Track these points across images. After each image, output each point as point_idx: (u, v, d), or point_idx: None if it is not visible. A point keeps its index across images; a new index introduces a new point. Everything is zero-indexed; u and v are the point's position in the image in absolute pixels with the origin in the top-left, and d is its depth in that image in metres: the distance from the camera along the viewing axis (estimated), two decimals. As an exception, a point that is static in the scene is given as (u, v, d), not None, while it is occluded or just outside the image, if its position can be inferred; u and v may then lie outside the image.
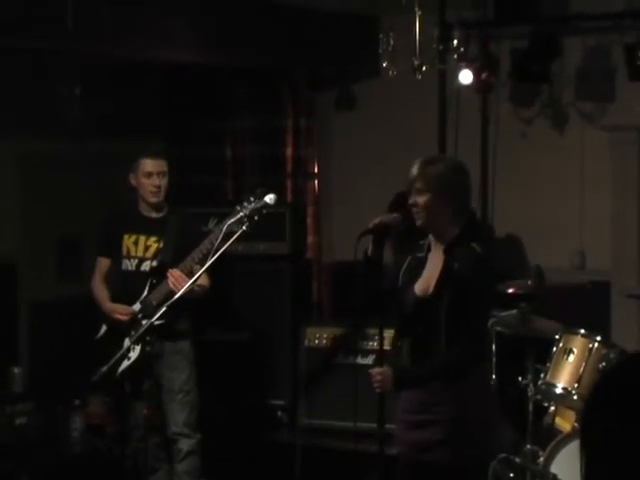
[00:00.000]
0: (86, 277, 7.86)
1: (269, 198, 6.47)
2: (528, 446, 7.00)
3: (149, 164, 7.25)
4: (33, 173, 9.37)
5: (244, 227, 6.35)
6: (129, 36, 8.02)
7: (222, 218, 6.60)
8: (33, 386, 8.88)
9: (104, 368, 6.55)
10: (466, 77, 8.97)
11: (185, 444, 7.30)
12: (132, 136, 9.52)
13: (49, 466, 8.10)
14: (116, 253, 7.42)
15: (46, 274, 9.48)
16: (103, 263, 7.50)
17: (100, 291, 7.38)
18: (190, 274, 6.65)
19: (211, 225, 7.07)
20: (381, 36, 8.68)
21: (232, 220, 6.38)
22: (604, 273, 9.23)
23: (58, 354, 8.80)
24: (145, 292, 7.09)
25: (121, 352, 6.72)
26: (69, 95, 9.03)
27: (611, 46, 8.86)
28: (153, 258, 7.26)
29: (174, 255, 7.07)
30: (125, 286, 7.34)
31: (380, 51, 8.65)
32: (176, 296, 6.41)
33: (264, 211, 6.47)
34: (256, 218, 6.44)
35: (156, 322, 6.62)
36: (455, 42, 8.68)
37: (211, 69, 9.54)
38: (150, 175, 7.22)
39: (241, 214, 6.39)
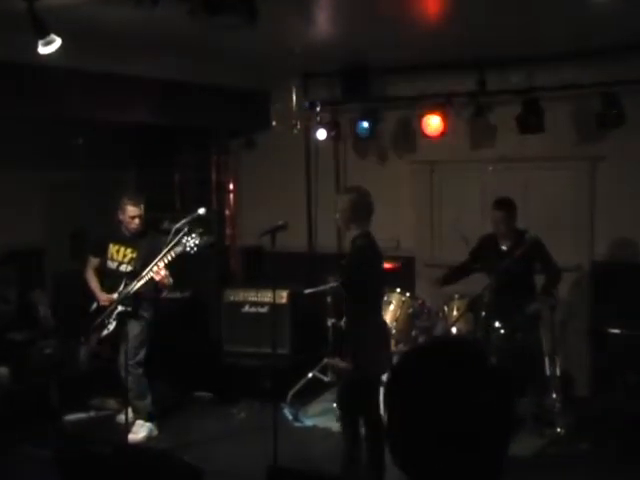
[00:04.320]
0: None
1: (201, 210, 7.55)
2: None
3: (132, 211, 8.04)
4: (56, 192, 10.02)
5: (190, 239, 7.43)
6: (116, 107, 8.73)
7: (175, 222, 7.57)
8: (55, 328, 9.38)
9: (97, 321, 8.04)
10: (321, 134, 9.88)
11: (128, 379, 7.94)
12: (116, 168, 10.40)
13: (67, 379, 8.71)
14: (103, 255, 8.29)
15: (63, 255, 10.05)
16: (94, 261, 8.36)
17: (93, 283, 8.26)
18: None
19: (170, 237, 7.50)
20: (271, 105, 10.06)
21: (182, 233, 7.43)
22: (411, 251, 10.09)
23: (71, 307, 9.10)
24: (122, 287, 7.90)
25: (101, 317, 7.95)
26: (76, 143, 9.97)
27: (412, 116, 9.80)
28: (127, 263, 8.14)
29: (143, 263, 7.79)
30: (108, 279, 8.21)
31: (271, 114, 9.95)
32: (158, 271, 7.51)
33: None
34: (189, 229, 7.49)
35: (127, 309, 7.87)
36: (317, 110, 9.76)
37: (165, 127, 10.05)
38: (132, 218, 8.04)
39: (184, 221, 7.47)
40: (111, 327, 8.04)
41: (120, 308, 7.92)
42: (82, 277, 8.39)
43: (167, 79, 9.00)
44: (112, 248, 8.25)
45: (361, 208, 6.50)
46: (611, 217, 8.99)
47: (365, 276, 6.45)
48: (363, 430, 6.57)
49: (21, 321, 9.05)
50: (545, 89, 8.68)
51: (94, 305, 8.21)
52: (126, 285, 7.89)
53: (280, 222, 6.44)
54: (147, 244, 8.04)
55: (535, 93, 8.67)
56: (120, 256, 8.22)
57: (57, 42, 6.15)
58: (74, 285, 9.01)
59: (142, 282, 7.72)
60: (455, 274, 8.62)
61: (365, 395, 6.46)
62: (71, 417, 8.63)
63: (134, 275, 7.85)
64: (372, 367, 6.42)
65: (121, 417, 7.98)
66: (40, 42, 6.11)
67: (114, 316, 7.99)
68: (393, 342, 8.48)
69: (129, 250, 8.18)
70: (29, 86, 7.74)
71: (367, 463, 6.51)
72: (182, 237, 7.49)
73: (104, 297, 8.14)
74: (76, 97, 8.17)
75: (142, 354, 8.18)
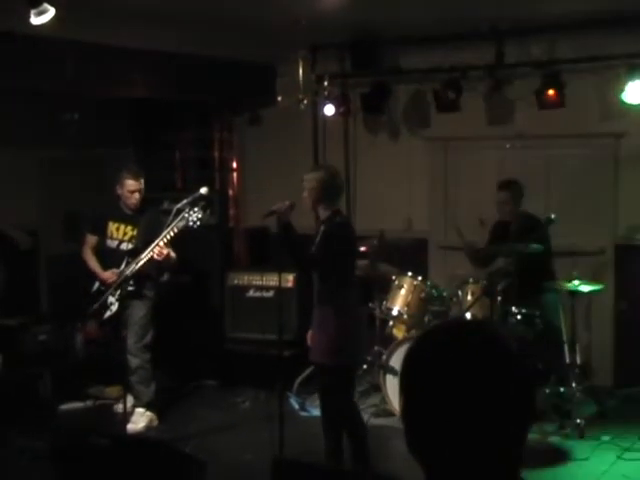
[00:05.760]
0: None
1: (203, 190, 7.66)
2: (376, 348, 8.55)
3: (131, 184, 8.02)
4: (48, 170, 9.97)
5: (192, 213, 7.51)
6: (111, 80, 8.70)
7: (176, 202, 7.67)
8: (50, 313, 9.61)
9: (95, 306, 8.05)
10: (329, 109, 9.73)
11: (134, 362, 8.06)
12: (113, 146, 10.33)
13: (62, 367, 8.82)
14: (102, 233, 8.27)
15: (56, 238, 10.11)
16: (92, 239, 8.33)
17: (93, 262, 8.21)
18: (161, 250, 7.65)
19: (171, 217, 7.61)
20: (277, 79, 9.96)
21: (185, 210, 7.52)
22: (424, 232, 10.10)
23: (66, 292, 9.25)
24: (123, 266, 7.89)
25: (102, 299, 7.97)
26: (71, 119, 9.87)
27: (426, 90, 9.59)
28: (129, 241, 8.14)
29: (144, 241, 7.84)
30: (108, 258, 8.19)
31: (276, 89, 9.85)
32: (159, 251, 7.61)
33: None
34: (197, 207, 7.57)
35: (129, 288, 7.83)
36: (325, 84, 9.55)
37: (165, 102, 10.15)
38: (132, 192, 8.03)
39: (185, 201, 7.56)
40: (114, 308, 8.02)
41: (120, 290, 7.86)
42: (79, 257, 8.35)
43: (167, 51, 8.93)
44: (112, 226, 8.23)
45: (330, 188, 6.45)
46: (636, 197, 8.86)
47: (348, 254, 6.50)
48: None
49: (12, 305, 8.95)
50: (567, 61, 8.59)
51: (95, 285, 8.17)
52: (128, 264, 7.88)
53: (286, 202, 6.38)
54: (147, 220, 8.05)
55: (556, 66, 8.56)
56: (120, 234, 8.21)
57: (51, 12, 6.12)
58: (69, 268, 9.09)
59: (144, 260, 7.73)
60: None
61: (342, 383, 6.46)
62: (66, 407, 8.63)
63: (136, 253, 7.85)
64: (352, 353, 6.49)
65: (119, 406, 7.97)
66: (33, 11, 6.09)
67: (117, 296, 7.94)
68: (405, 328, 8.64)
69: (129, 228, 8.17)
70: (21, 58, 7.64)
71: (353, 456, 6.53)
72: (184, 213, 7.54)
73: (107, 274, 8.08)
74: (70, 70, 8.09)
75: (149, 337, 8.18)
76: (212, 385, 9.36)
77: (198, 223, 7.54)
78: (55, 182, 10.00)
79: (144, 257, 7.73)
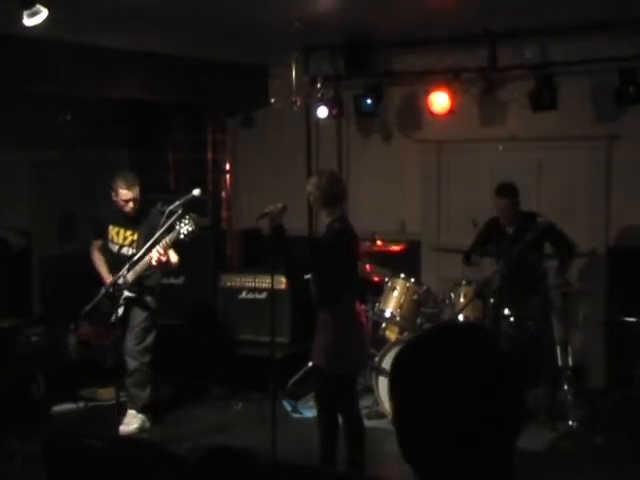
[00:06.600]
0: (77, 240, 8.61)
1: (196, 191, 7.47)
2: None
3: (124, 194, 7.89)
4: (42, 172, 9.93)
5: (183, 225, 7.39)
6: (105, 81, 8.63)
7: (169, 204, 7.50)
8: (43, 315, 9.60)
9: (87, 307, 7.66)
10: (322, 112, 9.69)
11: (132, 364, 8.06)
12: (107, 147, 10.33)
13: (55, 368, 8.84)
14: (104, 238, 8.24)
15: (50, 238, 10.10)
16: (97, 243, 8.29)
17: (100, 265, 8.19)
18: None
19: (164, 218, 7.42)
20: (270, 81, 9.95)
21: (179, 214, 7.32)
22: (417, 235, 10.04)
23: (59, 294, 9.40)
24: (124, 271, 7.60)
25: (97, 298, 7.60)
26: (64, 120, 9.82)
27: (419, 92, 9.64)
28: (129, 246, 8.07)
29: (145, 244, 7.60)
30: (111, 262, 8.11)
31: (269, 90, 9.85)
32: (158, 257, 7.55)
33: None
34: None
35: (131, 295, 7.89)
36: (318, 86, 9.59)
37: (159, 104, 10.14)
38: (126, 202, 7.90)
39: (178, 203, 7.33)
40: (120, 311, 7.92)
41: (126, 293, 7.90)
42: (72, 259, 8.52)
43: (160, 53, 8.91)
44: (112, 230, 8.19)
45: (329, 194, 6.40)
46: (628, 199, 8.87)
47: (341, 260, 6.44)
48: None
49: (4, 306, 8.90)
50: (560, 64, 8.59)
51: (102, 290, 7.94)
52: (129, 270, 7.79)
53: (279, 204, 6.39)
54: (149, 228, 7.90)
55: (549, 68, 8.58)
56: (120, 239, 8.16)
57: (43, 13, 6.11)
58: (62, 270, 9.15)
59: (140, 266, 7.73)
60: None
61: (343, 390, 6.44)
62: (59, 408, 8.63)
63: (138, 258, 7.78)
64: (350, 360, 6.43)
65: (112, 407, 7.95)
66: (25, 13, 6.08)
67: (122, 301, 7.90)
68: (397, 330, 8.64)
69: (129, 232, 8.12)
70: (12, 59, 7.61)
71: (348, 461, 6.49)
72: (175, 222, 7.42)
73: (107, 279, 7.99)
74: (64, 71, 8.08)
75: (151, 339, 8.16)
76: (205, 387, 9.33)
77: (190, 236, 7.46)
78: (49, 183, 9.98)
79: (140, 264, 7.73)
